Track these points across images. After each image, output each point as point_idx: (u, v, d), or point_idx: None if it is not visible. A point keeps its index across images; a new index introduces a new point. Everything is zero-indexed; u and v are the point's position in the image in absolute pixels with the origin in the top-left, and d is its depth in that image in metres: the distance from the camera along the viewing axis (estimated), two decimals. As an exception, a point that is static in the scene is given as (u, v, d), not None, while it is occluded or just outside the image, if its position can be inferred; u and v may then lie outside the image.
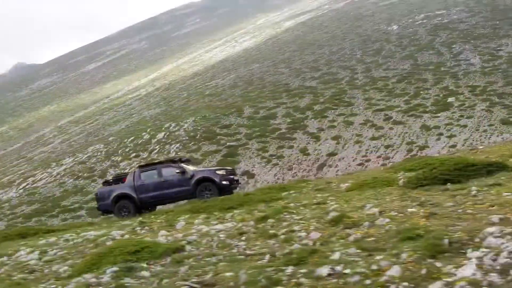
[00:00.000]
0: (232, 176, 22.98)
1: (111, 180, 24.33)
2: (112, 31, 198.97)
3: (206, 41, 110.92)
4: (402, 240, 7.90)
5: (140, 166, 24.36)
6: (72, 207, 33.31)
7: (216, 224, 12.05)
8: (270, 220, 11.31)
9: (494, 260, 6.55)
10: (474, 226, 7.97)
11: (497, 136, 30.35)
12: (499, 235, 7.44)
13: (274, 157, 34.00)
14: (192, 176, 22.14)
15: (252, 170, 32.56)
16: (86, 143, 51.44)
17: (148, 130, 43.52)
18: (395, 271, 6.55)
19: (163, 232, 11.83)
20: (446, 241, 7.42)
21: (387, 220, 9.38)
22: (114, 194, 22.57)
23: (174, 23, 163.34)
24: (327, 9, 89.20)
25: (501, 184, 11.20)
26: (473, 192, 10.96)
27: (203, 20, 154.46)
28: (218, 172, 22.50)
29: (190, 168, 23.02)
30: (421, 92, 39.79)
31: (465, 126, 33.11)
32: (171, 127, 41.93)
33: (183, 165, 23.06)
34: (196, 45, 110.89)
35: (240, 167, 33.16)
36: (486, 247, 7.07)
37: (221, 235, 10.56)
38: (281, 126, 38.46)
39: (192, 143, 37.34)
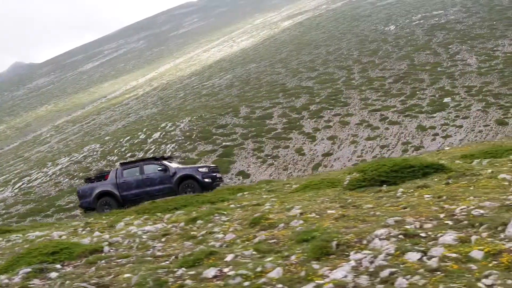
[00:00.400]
0: (214, 174, 23.01)
1: (93, 178, 24.33)
2: (112, 31, 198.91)
3: (203, 41, 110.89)
4: (298, 242, 8.08)
5: (122, 164, 24.33)
6: (67, 206, 33.24)
7: (150, 225, 12.26)
8: (199, 222, 11.54)
9: (371, 262, 6.66)
10: (370, 228, 8.10)
11: (492, 136, 30.32)
12: (384, 237, 7.59)
13: (269, 157, 33.96)
14: (174, 173, 22.18)
15: (248, 170, 32.51)
16: (82, 142, 51.38)
17: (144, 130, 43.45)
18: (276, 273, 6.69)
19: (97, 233, 12.09)
20: (334, 243, 7.56)
21: (301, 222, 9.57)
22: (96, 191, 22.60)
23: (172, 23, 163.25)
24: (324, 9, 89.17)
25: (429, 186, 11.40)
26: (398, 194, 11.20)
27: (201, 19, 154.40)
28: (200, 169, 22.56)
29: (172, 165, 23.03)
30: (417, 92, 39.76)
31: (460, 126, 33.09)
32: (167, 127, 41.87)
33: (165, 162, 23.07)
34: (194, 44, 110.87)
35: (235, 167, 33.15)
36: (369, 249, 7.22)
37: (144, 237, 10.74)
38: (277, 126, 38.42)
39: (188, 143, 37.29)
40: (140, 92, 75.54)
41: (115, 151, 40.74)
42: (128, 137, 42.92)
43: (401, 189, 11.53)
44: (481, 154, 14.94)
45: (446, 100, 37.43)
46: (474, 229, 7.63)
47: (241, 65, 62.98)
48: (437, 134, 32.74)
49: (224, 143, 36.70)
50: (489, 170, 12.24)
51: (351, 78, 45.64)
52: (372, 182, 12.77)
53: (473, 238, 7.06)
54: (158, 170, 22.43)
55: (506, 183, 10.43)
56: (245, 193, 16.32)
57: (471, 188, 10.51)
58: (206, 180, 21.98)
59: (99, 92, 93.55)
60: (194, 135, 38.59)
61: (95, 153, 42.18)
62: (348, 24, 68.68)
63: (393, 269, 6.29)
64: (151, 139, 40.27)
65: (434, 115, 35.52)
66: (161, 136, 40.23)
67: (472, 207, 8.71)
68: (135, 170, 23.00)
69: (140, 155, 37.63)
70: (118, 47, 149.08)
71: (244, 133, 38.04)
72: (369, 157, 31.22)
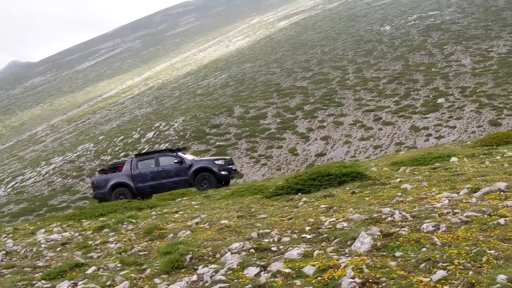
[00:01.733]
0: (230, 166, 22.93)
1: (107, 169, 24.19)
2: (109, 30, 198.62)
3: (200, 40, 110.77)
4: (162, 254, 8.30)
5: (137, 155, 24.21)
6: (60, 206, 33.14)
7: (58, 233, 12.43)
8: (106, 230, 11.73)
9: (211, 276, 6.88)
10: (231, 241, 8.35)
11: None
12: (236, 251, 7.82)
13: (263, 157, 33.91)
14: (190, 165, 22.05)
15: (241, 170, 32.43)
16: (76, 142, 51.25)
17: (138, 129, 43.37)
18: (122, 286, 6.89)
19: (9, 241, 12.19)
20: (188, 256, 7.78)
21: (188, 232, 9.81)
22: (111, 182, 22.51)
23: (169, 22, 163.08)
24: (320, 9, 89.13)
25: (334, 195, 11.74)
26: (300, 203, 11.56)
27: (198, 19, 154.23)
28: (216, 162, 22.40)
29: (188, 157, 22.92)
30: (412, 93, 39.75)
31: (453, 127, 33.09)
32: (161, 126, 41.79)
33: (181, 154, 22.95)
34: (190, 44, 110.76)
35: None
36: (218, 263, 7.41)
37: (43, 246, 10.81)
38: (270, 126, 38.37)
39: (182, 142, 37.18)
40: (135, 91, 75.39)
41: (109, 150, 40.63)
42: (122, 137, 42.82)
43: (304, 199, 11.85)
44: (410, 162, 15.15)
45: (440, 100, 37.43)
46: (327, 243, 7.76)
47: (237, 65, 62.90)
48: (430, 135, 32.73)
49: (217, 143, 36.64)
50: (398, 179, 12.57)
51: (345, 78, 45.62)
52: (289, 190, 13.02)
53: (316, 252, 7.29)
54: (174, 162, 22.30)
55: (399, 194, 10.75)
56: (184, 198, 16.36)
57: (367, 198, 10.83)
58: (223, 172, 21.85)
59: (95, 91, 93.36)
60: (188, 134, 38.52)
61: (88, 152, 42.07)
62: (344, 24, 68.66)
63: (224, 285, 6.51)
64: (145, 139, 40.18)
65: (428, 115, 35.52)
66: (155, 135, 40.15)
67: (341, 219, 8.94)
68: (150, 161, 22.79)
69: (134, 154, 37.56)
70: (115, 46, 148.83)
71: (238, 133, 37.98)
72: (362, 158, 31.20)
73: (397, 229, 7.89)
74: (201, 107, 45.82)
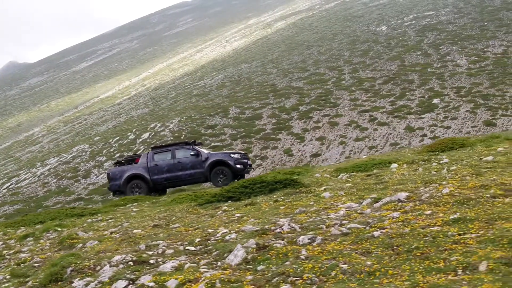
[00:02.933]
0: (246, 160, 22.98)
1: (123, 161, 24.27)
2: (107, 30, 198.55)
3: (197, 41, 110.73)
4: (52, 265, 8.28)
5: (154, 148, 24.31)
6: (54, 207, 33.01)
7: None
8: (30, 239, 11.80)
9: None
10: (114, 254, 8.37)
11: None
12: (115, 264, 7.87)
13: (258, 158, 33.88)
14: (206, 158, 22.10)
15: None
16: (72, 143, 51.16)
17: (134, 130, 43.33)
18: None
19: None
20: (69, 269, 7.82)
21: (95, 242, 9.91)
22: (127, 174, 22.59)
23: (166, 23, 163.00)
24: (317, 9, 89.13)
25: (255, 204, 11.88)
26: (219, 212, 11.74)
27: (195, 19, 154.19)
28: (232, 155, 22.47)
29: (204, 150, 22.99)
30: (407, 93, 39.76)
31: (448, 127, 33.10)
32: (156, 127, 41.76)
33: (197, 147, 23.02)
34: (187, 44, 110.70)
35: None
36: (94, 276, 7.47)
37: None
38: (266, 126, 38.35)
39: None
40: (132, 92, 75.32)
41: (104, 151, 40.59)
42: (118, 138, 42.77)
43: (225, 207, 11.96)
44: (351, 168, 15.31)
45: (435, 101, 37.43)
46: (207, 255, 7.85)
47: (233, 65, 62.87)
48: (425, 135, 32.73)
49: (213, 144, 36.60)
50: (324, 187, 12.75)
51: (341, 78, 45.61)
52: (220, 198, 13.11)
53: (187, 265, 7.40)
54: (191, 154, 22.38)
55: (311, 203, 10.92)
56: (134, 204, 16.43)
57: (282, 207, 10.98)
58: (238, 166, 21.95)
59: (92, 92, 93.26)
60: (183, 135, 38.47)
61: (84, 153, 42.00)
62: (341, 24, 68.65)
63: None
64: (140, 140, 40.15)
65: (423, 116, 35.52)
66: (150, 136, 40.12)
67: (233, 231, 9.08)
68: (166, 154, 22.91)
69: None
70: (112, 46, 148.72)
71: (233, 133, 37.96)
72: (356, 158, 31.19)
73: (275, 241, 8.01)
74: (197, 107, 45.78)
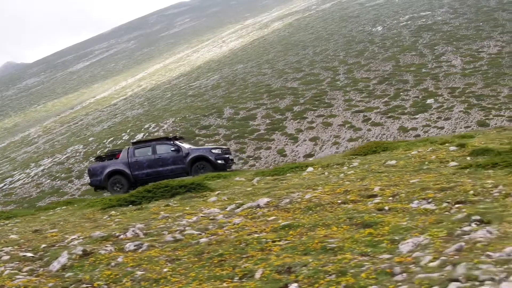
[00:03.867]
0: (227, 155, 22.96)
1: (104, 156, 24.18)
2: (105, 30, 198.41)
3: (194, 41, 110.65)
4: None
5: (134, 143, 24.22)
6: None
7: None
8: None
9: None
10: None
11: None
12: None
13: (251, 158, 33.85)
14: (187, 154, 22.07)
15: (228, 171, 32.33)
16: (67, 143, 51.09)
17: (128, 130, 43.30)
18: None
19: None
20: None
21: None
22: (108, 170, 22.50)
23: (164, 23, 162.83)
24: (314, 9, 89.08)
25: (144, 208, 12.12)
26: (105, 217, 11.94)
27: (193, 20, 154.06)
28: (213, 151, 22.47)
29: (185, 146, 22.95)
30: (401, 93, 39.74)
31: (442, 128, 33.09)
32: (150, 128, 41.72)
33: (177, 142, 22.97)
34: (184, 45, 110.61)
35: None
36: None
37: None
38: (260, 127, 38.30)
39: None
40: (128, 92, 75.24)
41: (98, 152, 40.47)
42: (112, 138, 42.73)
43: (113, 212, 12.05)
44: (268, 172, 15.75)
45: (429, 101, 37.41)
46: (38, 262, 8.00)
47: (229, 66, 62.82)
48: (418, 136, 32.64)
49: (206, 145, 36.52)
50: (218, 192, 13.00)
51: (336, 79, 45.57)
52: (123, 202, 13.19)
53: (6, 272, 7.46)
54: (171, 150, 22.35)
55: (187, 208, 11.05)
56: (63, 207, 16.48)
57: (162, 213, 11.16)
58: (219, 161, 21.99)
59: (89, 93, 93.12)
60: (177, 136, 38.36)
61: (78, 154, 41.94)
62: (336, 24, 68.60)
63: None
64: (134, 140, 39.99)
65: (417, 116, 35.51)
66: (144, 137, 40.01)
67: (82, 237, 9.23)
68: (147, 149, 22.95)
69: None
70: (109, 47, 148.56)
71: (227, 134, 37.92)
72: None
73: (103, 248, 8.15)
74: (191, 108, 45.72)
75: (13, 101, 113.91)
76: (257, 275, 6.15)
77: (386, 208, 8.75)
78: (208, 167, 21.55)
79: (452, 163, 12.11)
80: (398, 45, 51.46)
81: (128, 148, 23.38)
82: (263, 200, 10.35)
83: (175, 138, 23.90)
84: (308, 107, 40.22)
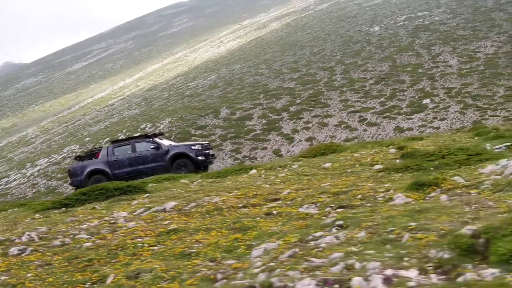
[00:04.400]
0: (208, 151, 22.88)
1: (83, 156, 24.08)
2: (103, 30, 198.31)
3: (192, 41, 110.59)
4: None
5: (114, 141, 24.11)
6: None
7: None
8: None
9: None
10: None
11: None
12: None
13: (246, 159, 33.80)
14: (167, 151, 22.00)
15: (224, 171, 32.30)
16: (64, 143, 51.06)
17: (124, 131, 43.27)
18: None
19: None
20: None
21: None
22: (88, 169, 22.41)
23: (162, 23, 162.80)
24: (312, 9, 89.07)
25: (69, 211, 12.20)
26: (27, 220, 11.94)
27: (191, 20, 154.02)
28: (193, 147, 22.37)
29: (164, 143, 22.87)
30: (397, 93, 39.72)
31: (437, 128, 33.08)
32: (146, 128, 41.69)
33: (157, 140, 22.89)
34: (182, 45, 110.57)
35: (212, 168, 32.90)
36: None
37: None
38: (256, 127, 38.27)
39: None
40: (126, 92, 75.20)
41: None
42: (108, 138, 42.64)
43: (37, 215, 12.47)
44: (214, 174, 16.08)
45: (425, 101, 37.40)
46: None
47: (226, 66, 62.78)
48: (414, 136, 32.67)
49: (202, 145, 36.50)
50: (146, 195, 13.02)
51: (332, 79, 45.54)
52: (57, 204, 13.24)
53: None
54: (151, 148, 22.27)
55: (105, 211, 11.18)
56: (15, 209, 16.54)
57: (81, 215, 11.23)
58: (200, 157, 21.89)
59: (87, 93, 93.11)
60: (173, 136, 38.35)
61: (74, 154, 41.85)
62: (334, 25, 68.59)
63: None
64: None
65: (412, 116, 35.50)
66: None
67: None
68: (126, 148, 22.79)
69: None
70: (107, 47, 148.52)
71: (223, 134, 37.89)
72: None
73: None
74: (188, 108, 45.68)
75: (11, 101, 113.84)
76: (109, 280, 6.21)
77: (274, 212, 8.81)
78: (189, 164, 21.54)
79: (377, 166, 12.01)
80: (395, 45, 51.44)
81: (108, 147, 23.27)
82: (170, 204, 10.43)
83: (155, 136, 23.82)
84: (304, 107, 40.20)
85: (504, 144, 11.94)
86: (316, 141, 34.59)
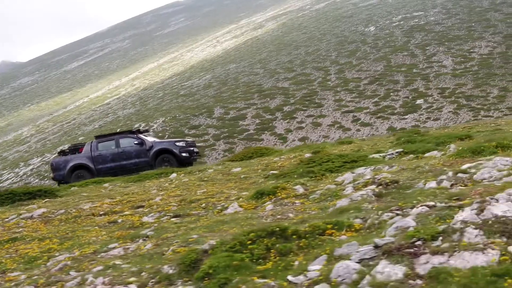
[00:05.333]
0: (192, 148, 22.78)
1: (67, 151, 23.93)
2: (100, 29, 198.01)
3: (188, 41, 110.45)
4: None
5: (97, 137, 23.99)
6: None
7: None
8: None
9: None
10: None
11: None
12: None
13: (239, 159, 33.70)
14: (151, 147, 21.90)
15: (217, 171, 32.23)
16: (58, 143, 50.92)
17: (118, 130, 43.05)
18: None
19: None
20: None
21: None
22: (71, 164, 22.27)
23: (158, 22, 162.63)
24: (308, 9, 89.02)
25: None
26: None
27: (187, 19, 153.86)
28: (177, 143, 22.28)
29: (148, 139, 22.77)
30: (391, 94, 39.68)
31: (430, 128, 32.98)
32: (140, 127, 41.50)
33: (141, 136, 22.79)
34: (178, 44, 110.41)
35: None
36: None
37: None
38: (249, 127, 38.20)
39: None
40: (122, 92, 75.07)
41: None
42: (102, 138, 42.52)
43: None
44: (141, 176, 16.05)
45: (419, 101, 37.37)
46: None
47: (221, 66, 62.69)
48: (407, 136, 32.61)
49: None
50: (45, 200, 13.10)
51: (327, 79, 45.48)
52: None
53: None
54: (134, 143, 22.15)
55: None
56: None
57: None
58: (184, 154, 21.79)
59: (82, 92, 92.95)
60: (167, 136, 38.25)
61: (67, 153, 41.76)
62: (329, 25, 68.54)
63: None
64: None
65: (406, 116, 35.46)
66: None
67: None
68: (110, 143, 22.66)
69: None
70: (104, 46, 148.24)
71: (217, 134, 37.79)
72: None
73: None
74: (182, 108, 45.58)
75: (6, 100, 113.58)
76: None
77: (119, 220, 8.87)
78: (172, 160, 21.47)
79: (272, 172, 12.00)
80: (390, 45, 51.41)
81: (91, 142, 23.17)
82: (39, 211, 10.45)
83: (139, 132, 23.73)
84: (298, 107, 40.14)
85: (396, 151, 11.66)
86: (309, 141, 34.52)
